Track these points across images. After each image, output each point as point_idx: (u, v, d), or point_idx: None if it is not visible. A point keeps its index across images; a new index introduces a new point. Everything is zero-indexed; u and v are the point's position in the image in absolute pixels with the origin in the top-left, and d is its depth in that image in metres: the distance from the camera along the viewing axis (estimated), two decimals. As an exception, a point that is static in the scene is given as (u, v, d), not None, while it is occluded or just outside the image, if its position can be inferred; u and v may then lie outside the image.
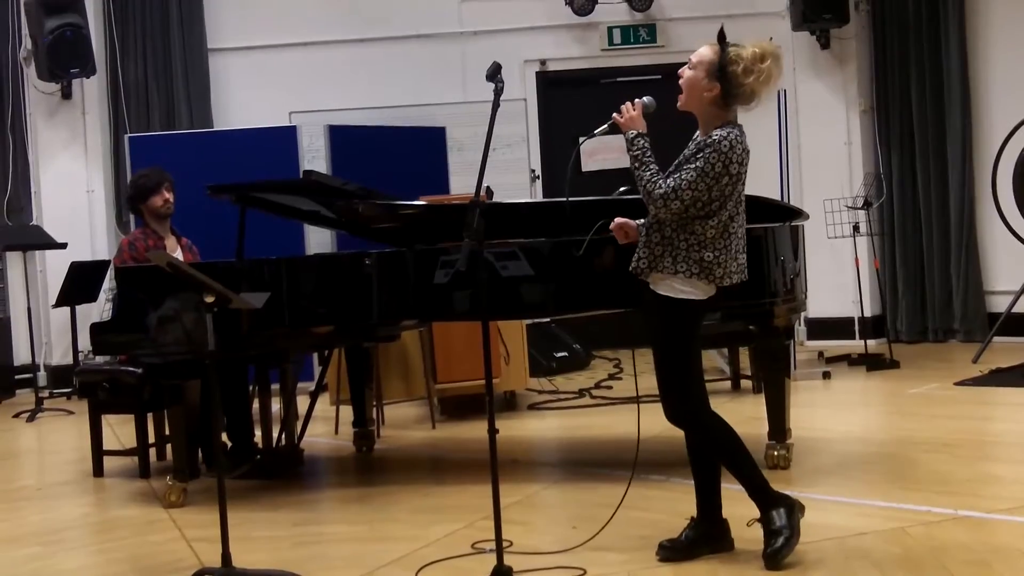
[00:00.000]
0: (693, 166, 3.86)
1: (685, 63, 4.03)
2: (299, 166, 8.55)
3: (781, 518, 3.93)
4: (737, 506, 4.14)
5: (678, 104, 4.03)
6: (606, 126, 4.11)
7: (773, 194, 7.42)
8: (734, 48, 3.91)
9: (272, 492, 5.51)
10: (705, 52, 3.96)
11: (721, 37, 3.96)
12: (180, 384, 5.35)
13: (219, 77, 10.26)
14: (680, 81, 4.00)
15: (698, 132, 4.06)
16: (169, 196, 6.13)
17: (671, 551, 4.06)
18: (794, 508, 3.98)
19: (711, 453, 4.08)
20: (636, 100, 4.04)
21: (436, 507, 5.05)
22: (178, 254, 6.12)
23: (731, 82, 3.89)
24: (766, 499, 3.97)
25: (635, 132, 3.99)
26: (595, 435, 6.68)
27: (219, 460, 4.24)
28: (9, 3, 9.80)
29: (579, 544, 4.20)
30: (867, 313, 9.40)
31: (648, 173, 3.91)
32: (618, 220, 4.19)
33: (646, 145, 3.97)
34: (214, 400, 4.33)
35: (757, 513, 4.00)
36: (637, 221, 4.16)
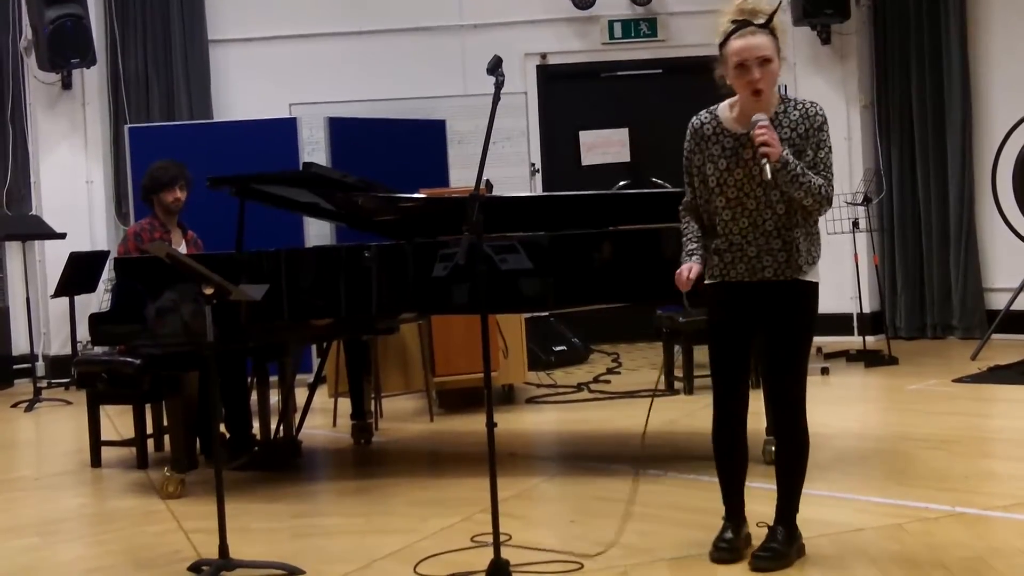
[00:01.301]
0: (828, 149, 3.82)
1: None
2: (299, 158, 8.56)
3: (785, 537, 3.90)
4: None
5: (755, 98, 3.77)
6: (766, 164, 3.70)
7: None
8: (748, 7, 3.81)
9: (270, 484, 5.51)
10: (769, 40, 3.75)
11: (775, 12, 3.82)
12: (179, 375, 5.36)
13: (219, 68, 10.25)
14: (762, 82, 3.74)
15: (727, 113, 3.91)
16: (181, 195, 6.15)
17: (729, 552, 3.95)
18: (796, 538, 3.93)
19: (795, 449, 3.94)
20: (762, 122, 3.72)
21: (434, 500, 5.05)
22: (183, 248, 6.13)
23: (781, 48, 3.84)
24: (791, 516, 3.94)
25: (785, 153, 3.72)
26: (593, 429, 6.68)
27: (217, 451, 4.24)
28: (10, -7, 9.80)
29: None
30: (866, 309, 9.40)
31: (815, 183, 3.74)
32: (685, 269, 3.94)
33: (794, 159, 3.74)
34: (213, 391, 4.34)
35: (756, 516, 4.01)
36: (694, 260, 3.95)
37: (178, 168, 6.15)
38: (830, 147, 3.84)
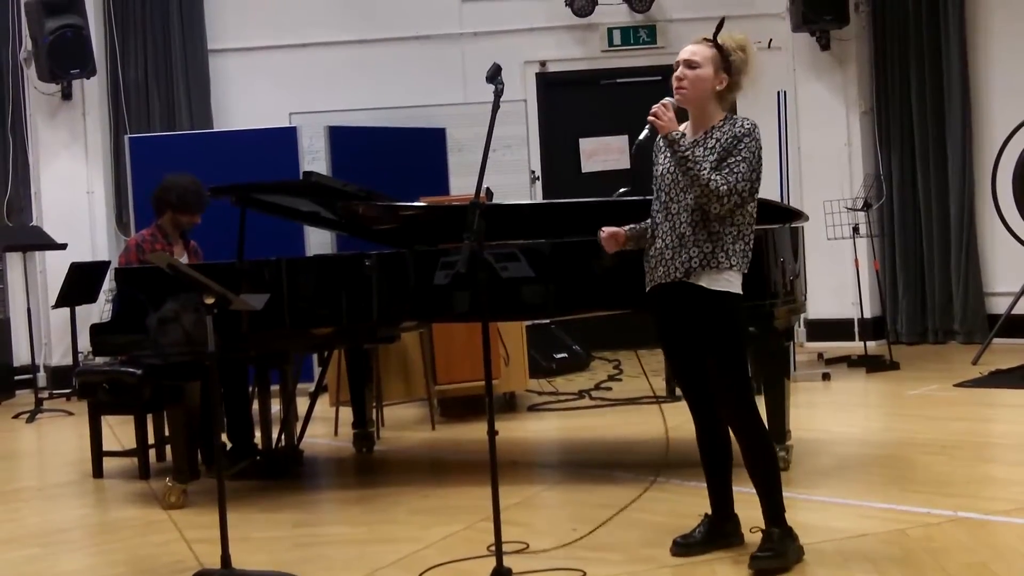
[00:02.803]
0: (741, 158, 3.88)
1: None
2: (299, 167, 8.56)
3: (780, 537, 3.92)
4: (749, 509, 4.14)
5: (678, 97, 4.00)
6: (647, 131, 4.00)
7: (773, 195, 7.42)
8: (726, 40, 3.98)
9: (272, 493, 5.51)
10: (704, 49, 3.99)
11: (719, 28, 4.00)
12: (180, 385, 5.36)
13: (219, 78, 10.26)
14: (684, 81, 3.97)
15: (686, 126, 4.06)
16: (199, 220, 6.16)
17: (685, 547, 4.08)
18: (793, 538, 3.95)
19: (755, 455, 3.98)
20: (665, 101, 3.97)
21: (436, 508, 5.05)
22: (184, 258, 6.13)
23: (736, 71, 3.98)
24: (777, 516, 3.97)
25: (679, 132, 3.93)
26: (595, 436, 6.67)
27: (219, 461, 4.24)
28: (9, 4, 9.80)
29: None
30: (867, 314, 9.40)
31: (704, 171, 3.86)
32: (607, 230, 4.18)
33: (688, 145, 3.92)
34: (214, 401, 4.34)
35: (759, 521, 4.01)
36: (626, 227, 4.18)
37: (205, 196, 6.10)
38: (746, 159, 3.89)
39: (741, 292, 3.97)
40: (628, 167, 10.30)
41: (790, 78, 9.85)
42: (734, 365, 3.95)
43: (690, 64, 3.97)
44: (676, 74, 4.00)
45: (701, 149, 3.94)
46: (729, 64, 3.97)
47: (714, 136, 3.95)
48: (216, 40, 10.25)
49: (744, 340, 4.03)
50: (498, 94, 3.97)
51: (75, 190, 9.77)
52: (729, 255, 3.92)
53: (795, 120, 9.69)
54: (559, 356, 9.21)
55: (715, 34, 3.99)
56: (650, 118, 3.95)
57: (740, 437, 4.00)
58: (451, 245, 5.25)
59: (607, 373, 9.04)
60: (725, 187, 3.85)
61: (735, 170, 3.87)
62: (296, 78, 10.05)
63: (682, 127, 4.03)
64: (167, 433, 5.86)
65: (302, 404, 6.42)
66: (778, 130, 8.20)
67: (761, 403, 5.32)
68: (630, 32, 10.36)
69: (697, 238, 3.93)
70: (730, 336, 3.96)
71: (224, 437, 5.94)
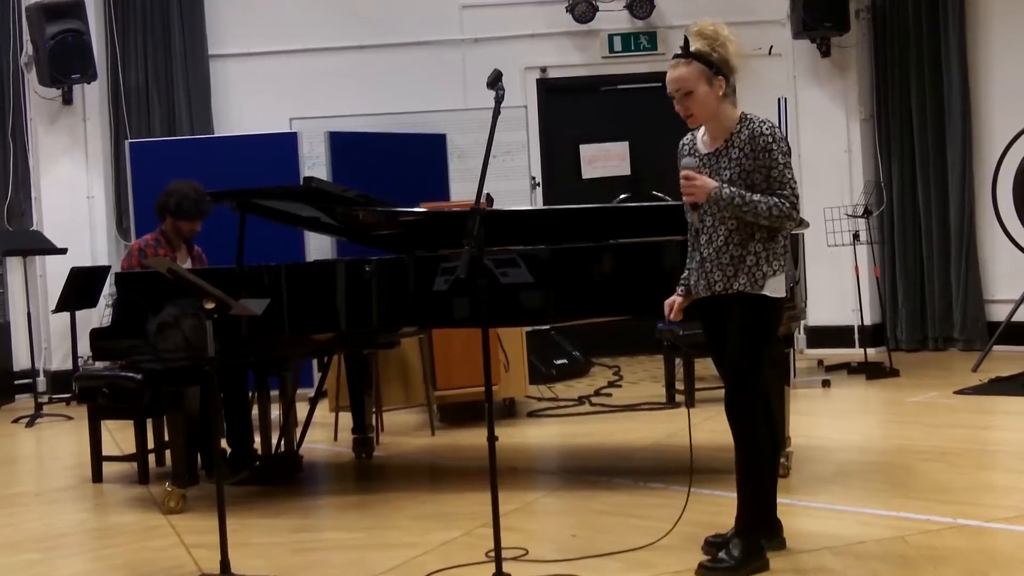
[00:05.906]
0: (782, 165, 3.85)
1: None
2: (299, 172, 8.56)
3: (741, 550, 3.90)
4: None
5: (691, 124, 3.99)
6: (689, 209, 3.99)
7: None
8: (697, 43, 3.92)
9: (271, 498, 5.51)
10: (686, 70, 3.91)
11: (686, 43, 3.95)
12: (180, 390, 5.36)
13: (220, 83, 10.27)
14: (690, 110, 3.92)
15: (702, 132, 4.04)
16: (199, 228, 6.17)
17: (715, 547, 4.05)
18: (756, 553, 3.92)
19: (746, 454, 3.98)
20: (684, 171, 3.92)
21: (435, 514, 5.04)
22: (187, 264, 6.13)
23: (726, 63, 3.92)
24: (744, 527, 3.96)
25: (715, 191, 3.86)
26: (595, 442, 6.67)
27: (218, 466, 4.24)
28: (10, 8, 9.82)
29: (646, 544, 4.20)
30: (867, 321, 9.40)
31: (764, 205, 3.82)
32: (673, 307, 4.12)
33: (732, 191, 3.85)
34: (214, 406, 4.34)
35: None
36: (678, 289, 4.12)
37: (206, 204, 6.09)
38: (782, 162, 3.87)
39: (779, 295, 3.94)
40: (628, 173, 10.32)
41: (790, 85, 9.86)
42: (750, 368, 3.93)
43: (684, 92, 3.91)
44: (677, 108, 3.95)
45: (725, 160, 3.92)
46: (715, 65, 3.90)
47: (735, 145, 3.91)
48: (217, 45, 10.26)
49: (764, 341, 3.98)
50: (499, 100, 3.98)
51: (75, 195, 9.78)
52: (770, 260, 3.90)
53: (795, 127, 9.70)
54: (559, 362, 9.21)
55: (685, 49, 3.93)
56: (686, 199, 3.91)
57: (737, 438, 3.98)
58: (451, 251, 5.25)
59: (607, 379, 9.04)
60: (788, 204, 3.84)
61: (783, 180, 3.86)
62: (297, 84, 10.06)
63: (699, 135, 4.04)
64: (166, 438, 5.86)
65: (301, 409, 6.41)
66: (778, 137, 8.19)
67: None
68: (631, 38, 10.37)
69: (741, 252, 3.90)
70: (755, 337, 3.93)
71: (223, 442, 5.93)
